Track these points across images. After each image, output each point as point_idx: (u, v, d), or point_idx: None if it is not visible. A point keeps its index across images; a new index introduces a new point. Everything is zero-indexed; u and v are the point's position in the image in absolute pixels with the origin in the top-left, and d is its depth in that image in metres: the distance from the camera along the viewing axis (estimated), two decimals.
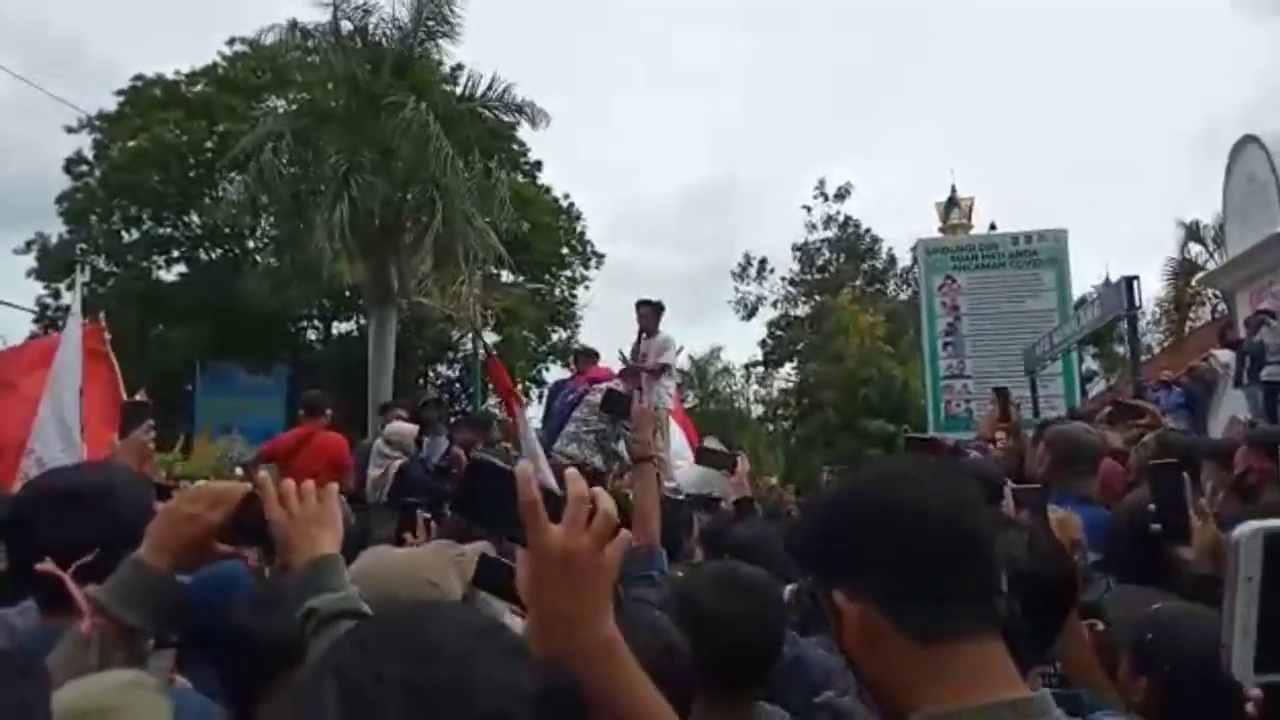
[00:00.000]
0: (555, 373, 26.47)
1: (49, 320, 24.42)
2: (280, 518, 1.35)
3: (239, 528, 1.39)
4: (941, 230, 21.72)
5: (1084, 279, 22.37)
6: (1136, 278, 10.23)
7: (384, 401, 10.44)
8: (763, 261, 32.17)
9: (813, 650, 2.21)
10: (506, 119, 16.67)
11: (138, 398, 4.59)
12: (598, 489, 1.00)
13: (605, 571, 0.96)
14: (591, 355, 9.07)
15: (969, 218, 22.07)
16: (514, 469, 1.01)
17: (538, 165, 24.93)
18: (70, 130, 24.26)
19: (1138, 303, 10.55)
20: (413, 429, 6.93)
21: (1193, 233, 21.38)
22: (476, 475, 1.09)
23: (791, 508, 11.30)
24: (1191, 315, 20.86)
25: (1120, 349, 21.47)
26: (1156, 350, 20.80)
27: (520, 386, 27.28)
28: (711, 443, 5.38)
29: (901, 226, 55.54)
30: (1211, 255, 20.55)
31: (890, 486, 1.04)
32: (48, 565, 1.36)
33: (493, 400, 24.22)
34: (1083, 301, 18.33)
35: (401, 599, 1.60)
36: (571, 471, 1.03)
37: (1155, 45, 62.06)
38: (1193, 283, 20.21)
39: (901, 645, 0.94)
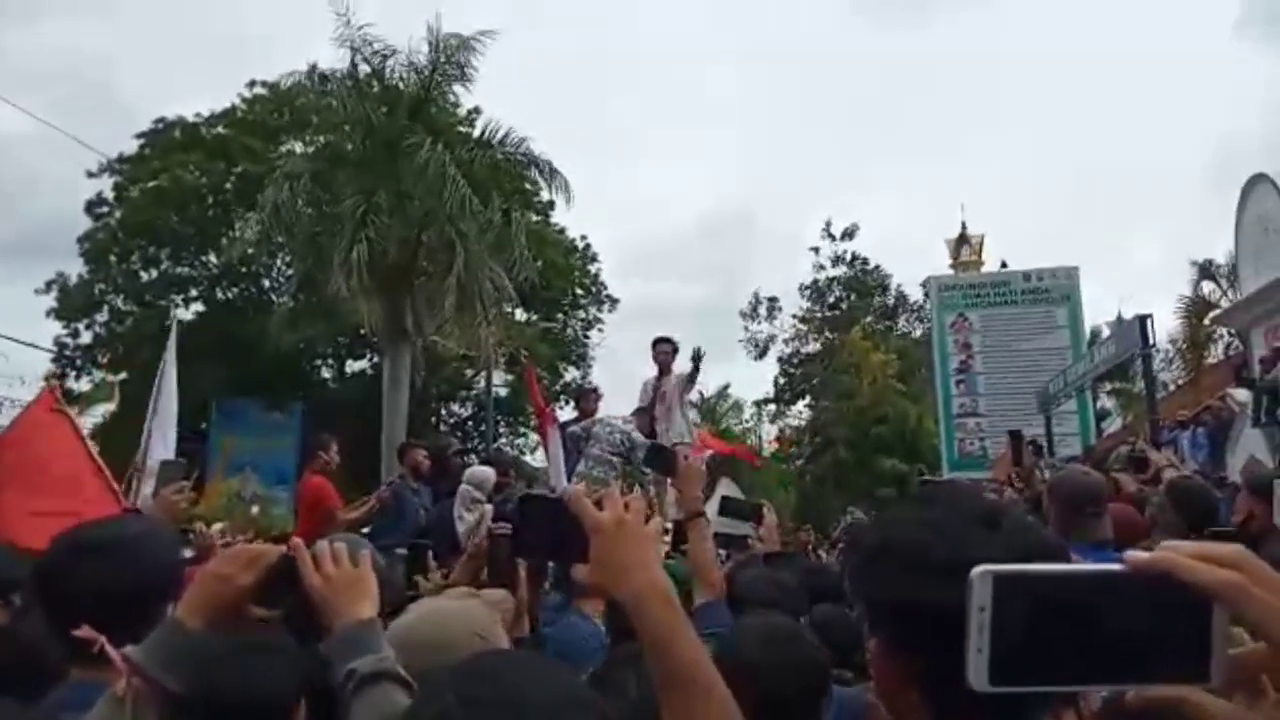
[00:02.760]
0: (568, 412, 26.52)
1: (67, 360, 24.66)
2: (317, 583, 1.39)
3: (265, 591, 1.40)
4: (952, 267, 21.77)
5: (1096, 316, 22.39)
6: (1150, 316, 10.25)
7: (401, 442, 10.41)
8: (772, 300, 32.32)
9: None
10: (521, 168, 16.87)
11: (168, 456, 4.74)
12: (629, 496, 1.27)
13: (650, 536, 1.22)
14: (593, 394, 9.15)
15: (979, 254, 22.14)
16: (559, 494, 1.19)
17: (550, 205, 25.17)
18: (91, 175, 24.74)
19: (1152, 340, 10.55)
20: (492, 472, 6.91)
21: (1205, 271, 21.34)
22: (527, 509, 1.30)
23: (809, 548, 11.22)
24: (1208, 353, 20.73)
25: (1138, 384, 21.36)
26: (1172, 388, 20.67)
27: (533, 423, 27.40)
28: (729, 488, 5.34)
29: (911, 263, 55.63)
30: (1225, 293, 20.48)
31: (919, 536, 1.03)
32: (86, 631, 1.38)
33: (504, 440, 24.28)
34: (1095, 338, 18.29)
35: (450, 656, 1.63)
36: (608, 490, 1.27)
37: (1163, 80, 62.45)
38: (1206, 321, 20.13)
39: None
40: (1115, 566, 0.70)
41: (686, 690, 1.08)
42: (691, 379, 8.32)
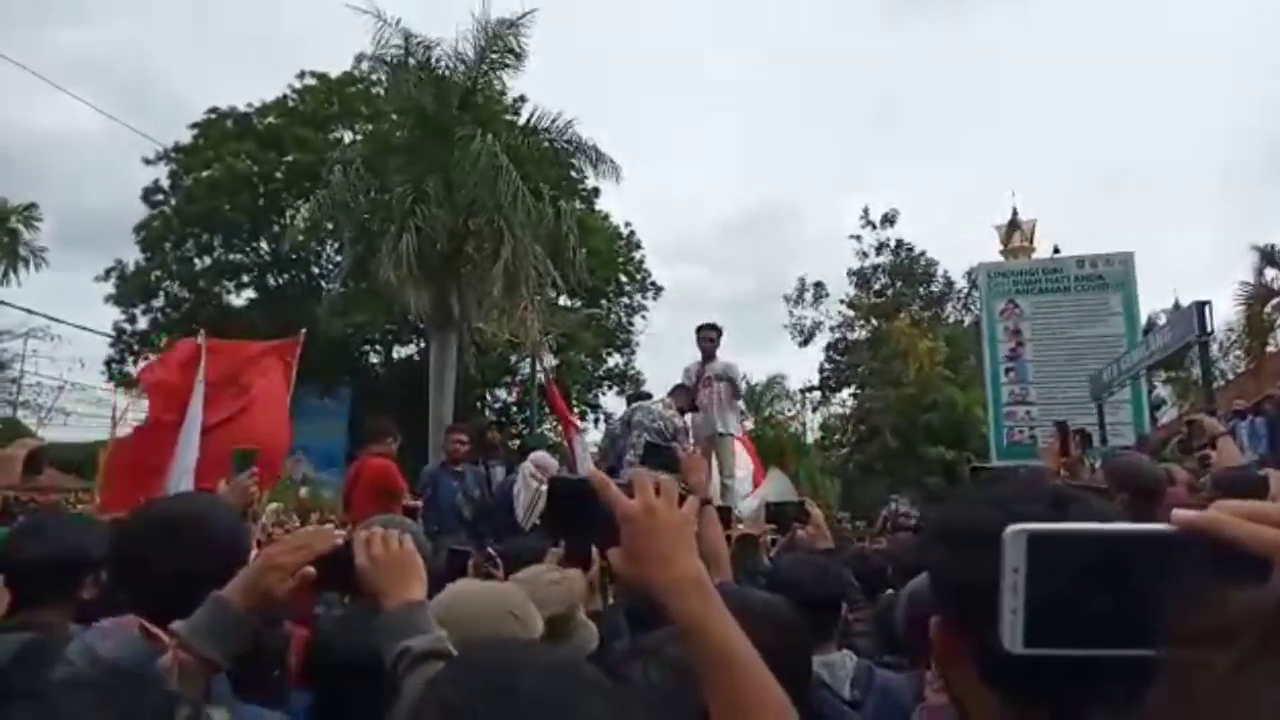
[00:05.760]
0: (611, 398, 26.66)
1: (124, 344, 25.37)
2: (366, 564, 1.46)
3: (325, 575, 1.46)
4: (1002, 254, 21.40)
5: (1149, 303, 21.83)
6: (1208, 303, 9.96)
7: (447, 425, 10.63)
8: (818, 285, 31.91)
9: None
10: (569, 155, 16.89)
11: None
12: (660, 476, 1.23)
13: (685, 520, 1.18)
14: (645, 397, 9.22)
15: (1030, 240, 21.73)
16: (586, 474, 1.18)
17: (595, 192, 25.19)
18: (148, 162, 25.33)
19: (1209, 328, 10.26)
20: (554, 461, 7.12)
21: (1268, 256, 20.72)
22: (557, 492, 1.30)
23: (846, 534, 11.17)
24: (1270, 341, 20.15)
25: (1196, 372, 20.87)
26: (1231, 376, 20.15)
27: (576, 410, 27.57)
28: (778, 478, 5.34)
29: (955, 253, 54.79)
30: None
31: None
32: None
33: (548, 425, 24.49)
34: (1150, 326, 17.87)
35: (485, 633, 1.68)
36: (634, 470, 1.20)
37: (1221, 65, 60.50)
38: (1268, 308, 19.57)
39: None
40: (1161, 526, 0.66)
41: (726, 675, 1.08)
42: (737, 392, 8.28)
